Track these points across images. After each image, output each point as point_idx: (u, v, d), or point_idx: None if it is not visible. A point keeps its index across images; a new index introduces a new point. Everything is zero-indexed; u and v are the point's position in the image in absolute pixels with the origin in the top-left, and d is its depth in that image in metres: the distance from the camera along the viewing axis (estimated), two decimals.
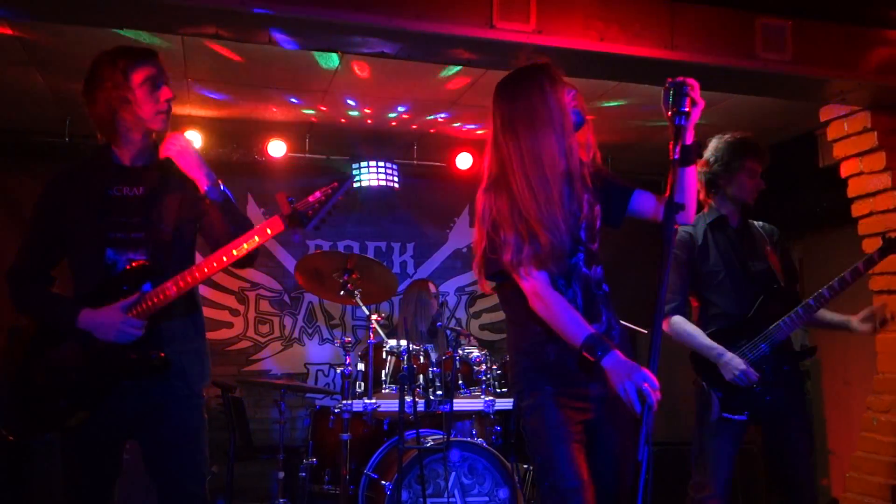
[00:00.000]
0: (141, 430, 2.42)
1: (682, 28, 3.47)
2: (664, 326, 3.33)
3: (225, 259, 2.33)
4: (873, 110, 4.07)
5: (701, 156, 2.30)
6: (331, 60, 4.20)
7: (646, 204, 2.43)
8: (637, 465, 1.93)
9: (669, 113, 2.17)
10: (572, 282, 2.32)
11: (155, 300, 2.30)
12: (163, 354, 2.33)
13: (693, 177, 2.32)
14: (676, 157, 2.17)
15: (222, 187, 2.40)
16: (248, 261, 2.44)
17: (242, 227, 2.41)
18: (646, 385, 2.05)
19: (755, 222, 3.47)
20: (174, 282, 2.30)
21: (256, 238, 2.34)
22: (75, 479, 2.40)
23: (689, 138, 2.22)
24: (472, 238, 2.45)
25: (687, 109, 2.15)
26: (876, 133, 4.07)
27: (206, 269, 2.32)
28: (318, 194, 2.41)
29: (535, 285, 2.25)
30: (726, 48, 3.54)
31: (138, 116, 2.39)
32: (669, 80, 2.17)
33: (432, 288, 5.40)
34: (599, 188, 2.43)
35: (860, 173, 4.20)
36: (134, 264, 2.36)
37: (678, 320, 3.30)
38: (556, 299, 2.25)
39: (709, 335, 3.24)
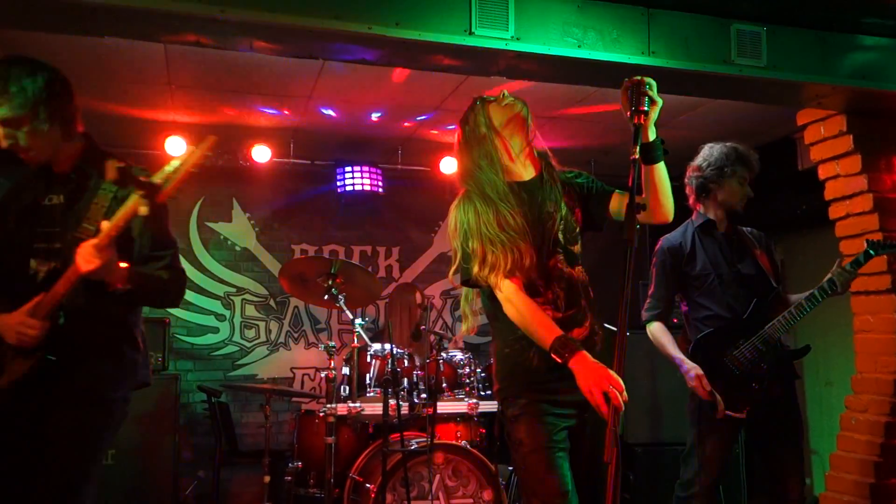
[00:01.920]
0: (39, 427, 2.34)
1: (659, 34, 3.51)
2: (648, 331, 3.44)
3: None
4: (849, 114, 4.13)
5: (667, 151, 2.31)
6: None
7: (624, 204, 2.44)
8: (605, 465, 1.96)
9: (628, 113, 2.18)
10: (551, 282, 2.35)
11: (50, 299, 2.26)
12: (53, 358, 2.29)
13: (662, 173, 2.33)
14: (636, 157, 2.12)
15: (133, 280, 2.32)
16: (144, 299, 2.46)
17: (163, 302, 2.52)
18: (610, 387, 2.07)
19: (744, 228, 3.54)
20: (64, 279, 2.25)
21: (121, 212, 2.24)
22: None
23: (651, 136, 2.24)
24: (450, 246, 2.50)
25: (645, 108, 2.15)
26: (852, 136, 4.13)
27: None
28: (174, 161, 2.24)
29: (505, 292, 2.30)
30: (702, 54, 3.58)
31: None
32: (627, 81, 2.18)
33: (418, 295, 5.43)
34: (577, 192, 2.48)
35: (837, 176, 4.25)
36: (50, 267, 2.33)
37: (656, 328, 3.42)
38: (526, 304, 2.28)
39: (704, 336, 3.34)
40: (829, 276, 3.27)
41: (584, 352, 2.19)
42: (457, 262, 2.42)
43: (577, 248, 2.44)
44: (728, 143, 3.45)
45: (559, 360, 2.19)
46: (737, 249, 3.44)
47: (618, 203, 2.45)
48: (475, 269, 2.33)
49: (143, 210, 2.17)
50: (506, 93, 2.51)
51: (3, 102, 2.24)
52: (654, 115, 2.20)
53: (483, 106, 2.49)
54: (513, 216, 2.33)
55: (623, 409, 2.06)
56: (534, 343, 2.32)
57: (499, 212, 2.33)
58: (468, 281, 2.38)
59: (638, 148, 2.12)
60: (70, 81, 2.40)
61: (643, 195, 2.18)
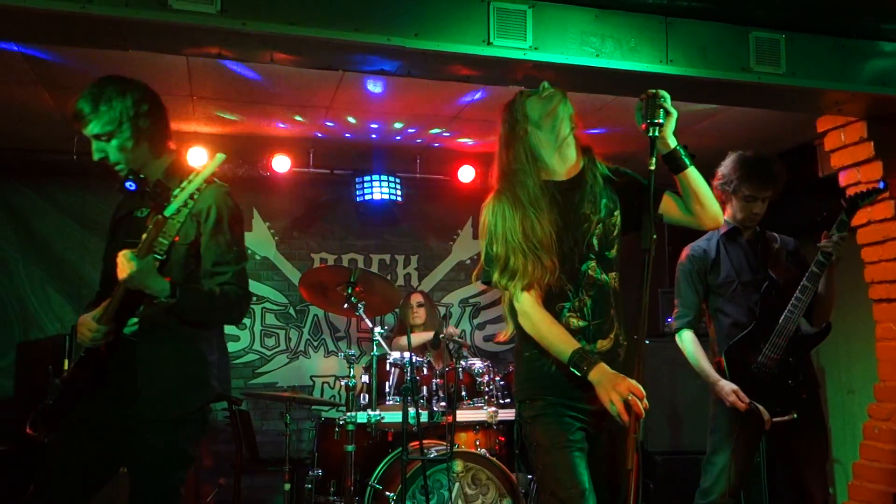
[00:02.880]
0: (117, 448, 2.44)
1: (677, 42, 3.52)
2: (677, 341, 3.42)
3: None
4: (869, 120, 4.11)
5: (694, 155, 2.33)
6: None
7: (674, 208, 2.42)
8: (627, 473, 1.97)
9: (644, 126, 2.21)
10: (580, 289, 2.33)
11: (109, 304, 2.33)
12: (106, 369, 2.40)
13: (696, 178, 2.32)
14: (653, 167, 2.18)
15: (175, 295, 2.34)
16: (189, 316, 2.44)
17: (207, 318, 2.49)
18: (631, 396, 2.08)
19: (773, 234, 3.51)
20: (117, 287, 2.32)
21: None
22: (45, 481, 2.46)
23: (671, 145, 2.26)
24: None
25: (660, 120, 2.19)
26: (872, 143, 4.10)
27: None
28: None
29: (522, 304, 2.30)
30: (721, 62, 3.58)
31: None
32: (642, 96, 2.22)
33: (412, 299, 5.43)
34: (621, 193, 2.43)
35: (858, 182, 4.23)
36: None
37: (688, 337, 3.39)
38: (542, 317, 2.28)
39: (731, 346, 3.31)
40: (819, 247, 3.21)
41: (603, 363, 2.19)
42: (481, 262, 2.42)
43: (612, 253, 2.39)
44: (742, 156, 3.38)
45: (578, 374, 2.20)
46: (762, 257, 3.41)
47: (665, 205, 2.42)
48: (495, 275, 2.33)
49: (152, 224, 2.23)
50: (546, 84, 2.43)
51: (94, 119, 2.40)
52: (669, 126, 2.23)
53: (522, 99, 2.42)
54: (540, 224, 2.29)
55: (644, 416, 2.07)
56: None
57: (526, 217, 2.30)
58: (489, 283, 2.39)
59: (654, 160, 2.15)
60: (161, 101, 2.54)
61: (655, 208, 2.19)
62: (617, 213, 2.41)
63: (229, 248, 2.47)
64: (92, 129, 2.42)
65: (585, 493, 2.23)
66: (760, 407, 3.18)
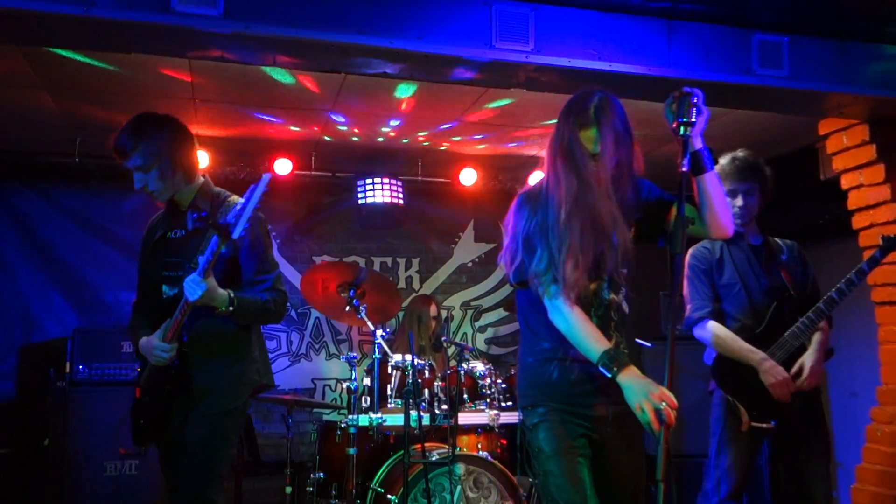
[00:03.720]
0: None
1: (680, 45, 3.52)
2: (699, 332, 3.36)
3: None
4: (872, 123, 4.10)
5: (717, 161, 2.31)
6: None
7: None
8: (657, 483, 1.98)
9: (675, 124, 2.20)
10: (592, 309, 2.31)
11: (174, 324, 2.66)
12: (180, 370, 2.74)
13: (714, 183, 2.30)
14: (686, 168, 2.18)
15: (235, 304, 2.65)
16: (245, 320, 2.81)
17: (258, 320, 2.86)
18: (663, 404, 2.05)
19: (776, 239, 3.51)
20: (183, 308, 2.62)
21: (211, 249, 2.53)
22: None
23: (698, 145, 2.24)
24: (505, 224, 2.41)
25: (692, 119, 2.17)
26: (875, 146, 4.10)
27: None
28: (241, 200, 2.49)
29: (555, 301, 2.26)
30: (723, 64, 3.58)
31: None
32: (674, 93, 2.21)
33: (433, 309, 5.44)
34: (639, 206, 2.39)
35: (860, 186, 4.23)
36: (172, 292, 2.78)
37: (715, 325, 3.31)
38: (575, 314, 2.25)
39: None
40: (848, 276, 3.20)
41: (633, 367, 2.16)
42: (519, 257, 2.32)
43: (625, 271, 2.38)
44: (734, 154, 3.38)
45: (608, 374, 2.17)
46: (766, 261, 3.41)
47: (674, 213, 2.36)
48: (537, 268, 2.26)
49: (219, 247, 2.44)
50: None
51: (136, 153, 2.71)
52: (701, 126, 2.21)
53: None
54: (582, 230, 2.26)
55: (674, 425, 2.05)
56: (557, 356, 2.32)
57: (580, 232, 2.26)
58: (523, 280, 2.32)
59: (685, 160, 2.14)
60: (190, 134, 2.87)
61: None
62: (633, 225, 2.38)
63: (265, 258, 2.83)
64: (134, 162, 2.72)
65: (588, 499, 2.22)
66: (742, 408, 3.19)
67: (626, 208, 2.33)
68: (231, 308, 2.64)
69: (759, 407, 3.19)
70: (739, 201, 3.34)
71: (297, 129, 5.24)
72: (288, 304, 2.93)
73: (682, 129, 2.18)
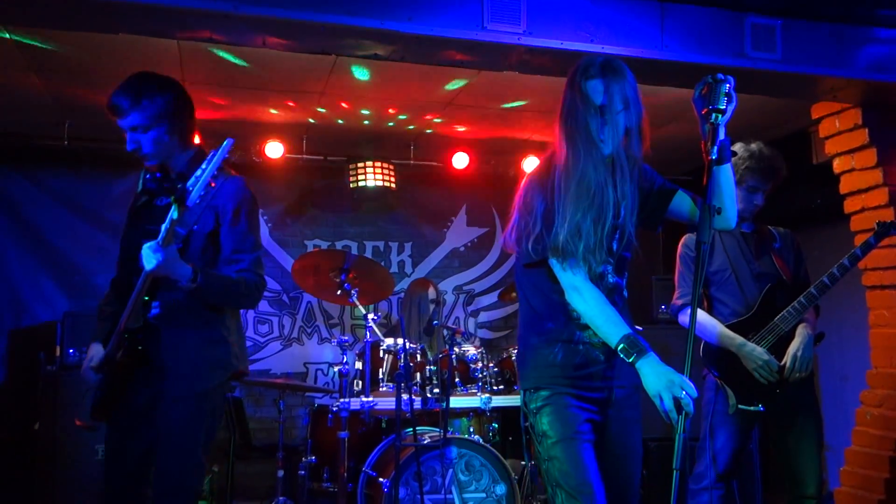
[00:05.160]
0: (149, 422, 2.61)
1: (672, 28, 3.50)
2: (683, 318, 3.42)
3: None
4: (864, 107, 4.10)
5: (735, 153, 2.29)
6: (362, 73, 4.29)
7: (684, 206, 2.39)
8: (673, 471, 1.96)
9: (704, 111, 2.16)
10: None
11: (135, 295, 2.51)
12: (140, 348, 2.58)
13: (728, 176, 2.28)
14: (714, 156, 2.15)
15: (198, 279, 2.49)
16: (212, 299, 2.64)
17: (226, 301, 2.68)
18: (684, 392, 2.03)
19: (769, 227, 3.51)
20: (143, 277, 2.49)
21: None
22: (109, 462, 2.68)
23: (722, 135, 2.20)
24: (517, 201, 2.35)
25: (723, 106, 2.15)
26: (867, 130, 4.10)
27: None
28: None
29: (575, 278, 2.22)
30: (716, 47, 3.57)
31: None
32: (707, 80, 2.17)
33: (432, 292, 5.44)
34: (642, 192, 2.36)
35: (852, 170, 4.23)
36: None
37: (699, 314, 3.32)
38: (595, 295, 2.21)
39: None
40: (841, 261, 3.21)
41: (654, 354, 2.13)
42: (535, 232, 2.24)
43: (628, 254, 2.36)
44: (751, 147, 3.36)
45: (627, 360, 2.14)
46: (757, 247, 3.41)
47: (679, 203, 2.38)
48: (560, 245, 2.20)
49: (175, 214, 2.32)
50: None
51: (136, 111, 2.55)
52: (729, 114, 2.18)
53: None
54: (598, 210, 2.23)
55: (693, 414, 2.02)
56: (561, 338, 2.29)
57: (594, 201, 2.22)
58: (541, 258, 2.26)
59: (715, 148, 2.13)
60: (191, 98, 2.72)
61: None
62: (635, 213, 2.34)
63: (246, 237, 2.65)
64: (131, 121, 2.56)
65: (593, 484, 2.19)
66: (729, 390, 3.21)
67: (633, 186, 2.30)
68: (194, 284, 2.48)
69: (747, 391, 3.21)
70: (757, 198, 3.36)
71: (290, 110, 5.20)
72: (265, 291, 2.82)
73: (713, 116, 2.15)
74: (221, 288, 2.58)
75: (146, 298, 2.57)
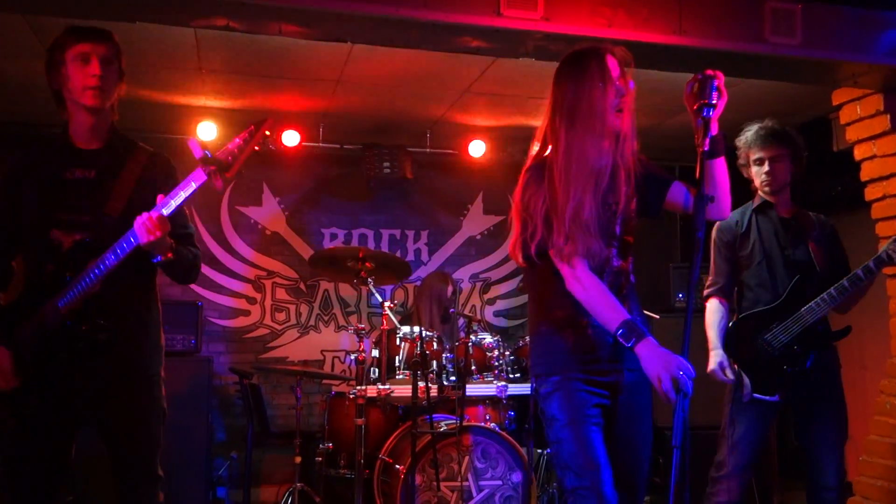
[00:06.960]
0: (92, 413, 2.49)
1: (690, 13, 3.46)
2: (708, 306, 3.44)
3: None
4: (886, 93, 4.03)
5: (726, 147, 2.34)
6: None
7: (679, 196, 2.42)
8: (672, 449, 2.00)
9: (696, 105, 2.25)
10: (603, 275, 2.31)
11: (107, 270, 2.37)
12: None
13: (722, 168, 2.33)
14: (706, 149, 2.23)
15: (169, 254, 2.44)
16: (177, 271, 2.58)
17: (187, 278, 2.65)
18: (681, 373, 2.08)
19: (811, 214, 3.47)
20: (117, 249, 2.37)
21: (182, 193, 2.38)
22: (17, 468, 2.43)
23: (714, 129, 2.26)
24: (516, 206, 2.43)
25: (714, 101, 2.23)
26: (889, 116, 4.03)
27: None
28: (237, 140, 2.38)
29: (574, 268, 2.24)
30: (735, 32, 3.52)
31: (70, 92, 2.46)
32: (697, 75, 2.26)
33: (450, 290, 5.43)
34: (639, 180, 2.39)
35: (873, 156, 4.17)
36: (76, 238, 2.41)
37: (710, 306, 3.42)
38: (594, 283, 2.24)
39: (744, 318, 3.33)
40: (879, 253, 3.13)
41: (652, 338, 2.17)
42: (538, 237, 2.29)
43: (630, 238, 2.39)
44: (751, 124, 3.40)
45: (626, 344, 2.18)
46: (792, 234, 3.36)
47: (676, 193, 2.41)
48: (559, 238, 2.24)
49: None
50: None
51: (106, 43, 2.48)
52: (720, 108, 2.25)
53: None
54: (598, 191, 2.29)
55: (691, 394, 2.08)
56: (571, 324, 2.32)
57: (596, 192, 2.28)
58: (541, 251, 2.30)
59: (706, 141, 2.21)
60: None
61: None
62: (635, 201, 2.38)
63: (187, 212, 2.61)
64: (109, 50, 2.48)
65: (601, 467, 2.22)
66: (746, 379, 3.21)
67: (630, 172, 2.34)
68: (171, 257, 2.43)
69: (764, 379, 3.19)
70: (766, 167, 3.34)
71: (306, 99, 5.20)
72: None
73: (704, 110, 2.23)
74: (186, 261, 2.55)
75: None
